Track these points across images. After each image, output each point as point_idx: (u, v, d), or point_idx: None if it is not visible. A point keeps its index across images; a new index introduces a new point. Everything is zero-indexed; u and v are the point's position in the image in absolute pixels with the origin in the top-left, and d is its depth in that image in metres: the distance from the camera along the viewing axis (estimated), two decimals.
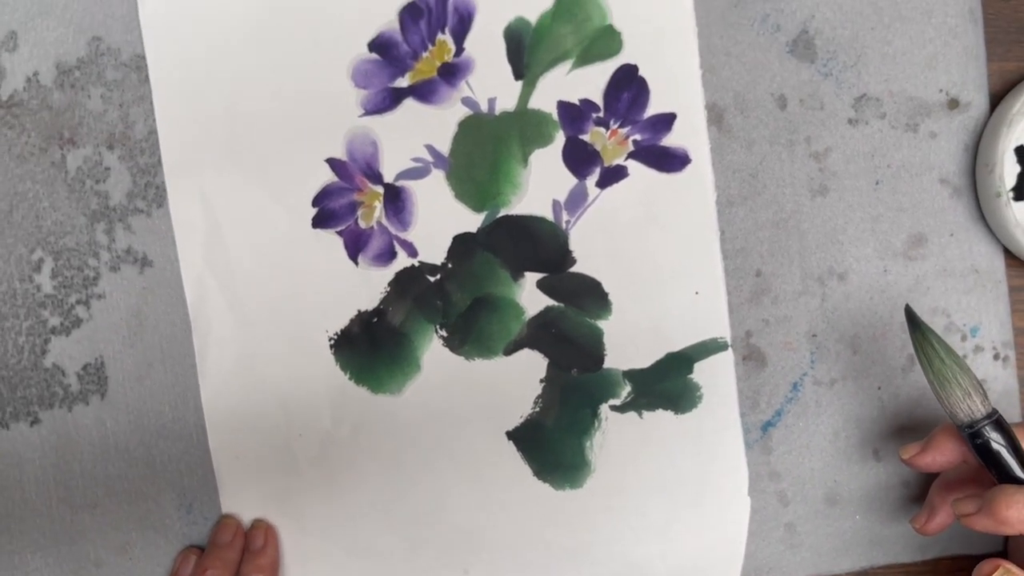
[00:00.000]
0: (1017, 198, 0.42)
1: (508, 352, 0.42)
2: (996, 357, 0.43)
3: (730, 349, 0.42)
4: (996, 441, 0.34)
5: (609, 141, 0.42)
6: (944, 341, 0.36)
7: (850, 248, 0.42)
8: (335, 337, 0.42)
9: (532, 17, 0.41)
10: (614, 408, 0.42)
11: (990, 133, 0.41)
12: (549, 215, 0.42)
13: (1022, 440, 0.35)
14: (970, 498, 0.34)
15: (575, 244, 0.42)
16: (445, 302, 0.42)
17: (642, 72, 0.41)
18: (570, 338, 0.42)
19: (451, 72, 0.41)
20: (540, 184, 0.41)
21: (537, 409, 0.42)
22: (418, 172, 0.41)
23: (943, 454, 0.37)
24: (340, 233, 0.41)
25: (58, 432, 0.41)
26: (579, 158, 0.41)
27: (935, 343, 0.35)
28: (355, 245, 0.41)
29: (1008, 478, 0.34)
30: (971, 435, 0.35)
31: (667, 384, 0.42)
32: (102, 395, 0.41)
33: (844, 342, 0.42)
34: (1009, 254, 0.42)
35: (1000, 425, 0.34)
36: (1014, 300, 0.43)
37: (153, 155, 0.41)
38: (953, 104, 0.42)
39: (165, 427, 0.41)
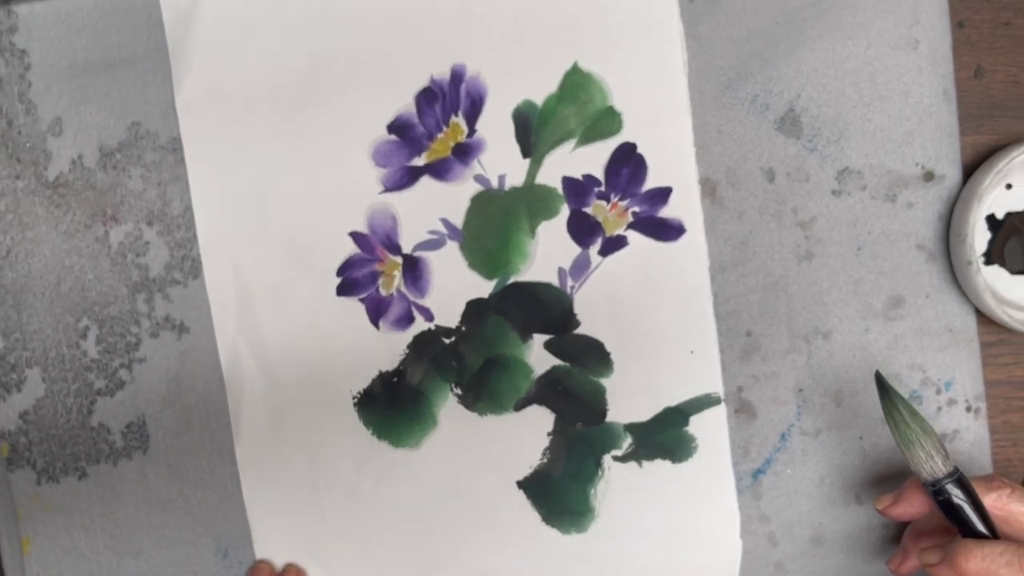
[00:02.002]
0: (988, 262, 0.45)
1: (518, 408, 0.45)
2: (968, 409, 0.46)
3: (723, 403, 0.46)
4: (957, 497, 0.38)
5: (610, 213, 0.45)
6: (910, 405, 0.39)
7: (834, 309, 0.46)
8: (358, 396, 0.45)
9: (539, 100, 0.44)
10: (616, 458, 0.46)
11: (962, 206, 0.44)
12: (555, 281, 0.45)
13: (983, 495, 0.38)
14: (934, 549, 0.38)
15: (579, 308, 0.45)
16: (460, 363, 0.45)
17: (640, 149, 0.45)
18: (575, 395, 0.45)
19: (464, 151, 0.44)
20: (547, 253, 0.45)
21: (545, 460, 0.46)
22: (434, 244, 0.45)
23: (912, 506, 0.40)
24: (362, 300, 0.45)
25: (104, 485, 0.45)
26: (583, 229, 0.45)
27: (901, 407, 0.39)
28: (376, 311, 0.45)
29: (969, 532, 0.38)
30: (934, 492, 0.38)
31: (665, 436, 0.46)
32: (144, 451, 0.45)
33: (828, 396, 0.46)
34: (981, 313, 0.46)
35: (961, 483, 0.38)
36: (986, 355, 0.46)
37: (189, 230, 0.44)
38: (929, 177, 0.45)
39: (202, 479, 0.45)
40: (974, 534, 0.38)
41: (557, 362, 0.45)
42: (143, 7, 0.43)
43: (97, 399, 0.45)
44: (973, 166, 0.46)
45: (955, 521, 0.38)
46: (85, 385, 0.44)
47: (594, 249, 0.45)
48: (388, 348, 0.45)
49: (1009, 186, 0.45)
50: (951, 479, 0.38)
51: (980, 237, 0.45)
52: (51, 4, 0.43)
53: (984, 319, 0.46)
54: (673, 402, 0.46)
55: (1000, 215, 0.45)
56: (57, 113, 0.44)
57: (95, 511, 0.45)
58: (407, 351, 0.45)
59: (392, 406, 0.45)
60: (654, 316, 0.45)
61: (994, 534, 0.38)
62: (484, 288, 0.45)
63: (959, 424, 0.46)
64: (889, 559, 0.43)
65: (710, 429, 0.46)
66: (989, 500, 0.38)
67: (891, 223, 0.45)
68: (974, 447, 0.46)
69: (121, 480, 0.45)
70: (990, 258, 0.45)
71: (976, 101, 0.46)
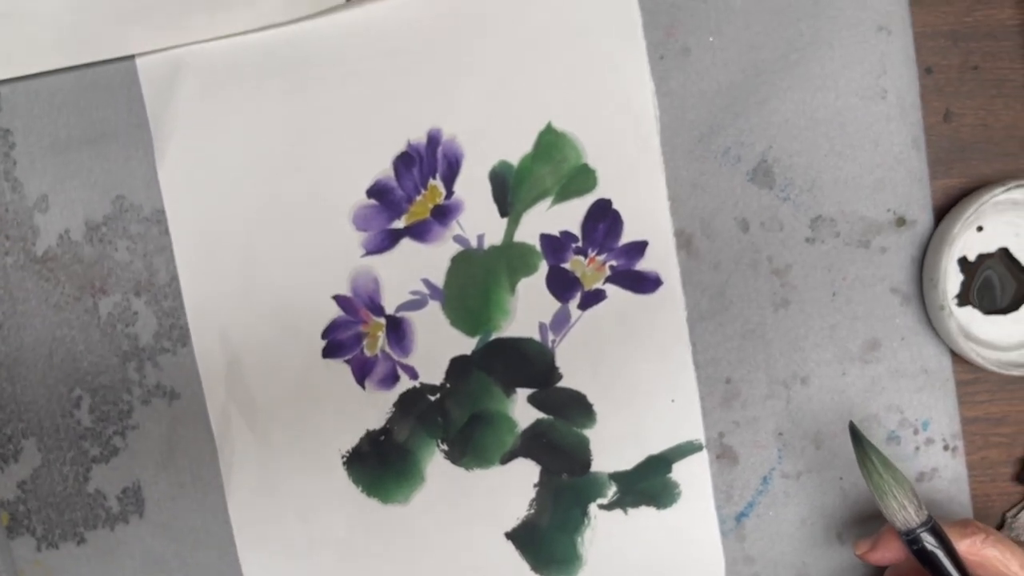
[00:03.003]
0: (961, 304, 0.46)
1: (504, 461, 0.46)
2: (946, 448, 0.47)
3: (705, 450, 0.47)
4: (931, 544, 0.39)
5: (588, 268, 0.46)
6: (883, 456, 0.40)
7: (811, 354, 0.47)
8: (347, 454, 0.46)
9: (514, 160, 0.45)
10: (602, 507, 0.47)
11: (933, 252, 0.45)
12: (536, 336, 0.46)
13: (958, 540, 0.39)
14: None
15: (561, 361, 0.46)
16: (445, 419, 0.46)
17: (616, 205, 0.45)
18: (559, 447, 0.46)
19: (443, 213, 0.45)
20: (527, 309, 0.46)
21: (532, 511, 0.47)
22: (416, 304, 0.46)
23: (890, 551, 0.41)
24: (348, 362, 0.46)
25: (102, 549, 0.46)
26: (561, 284, 0.46)
27: (874, 458, 0.40)
28: (362, 371, 0.46)
29: None
30: (909, 541, 0.39)
31: (648, 483, 0.47)
32: (140, 514, 0.46)
33: (808, 439, 0.47)
34: (956, 354, 0.47)
35: (935, 531, 0.39)
36: (963, 393, 0.47)
37: (176, 299, 0.45)
38: (900, 222, 0.46)
39: (198, 540, 0.46)
40: None
41: (541, 415, 0.46)
42: (123, 82, 0.44)
43: (92, 466, 0.46)
44: (944, 209, 0.46)
45: (930, 568, 0.39)
46: (80, 453, 0.46)
47: (573, 303, 0.46)
48: (375, 407, 0.46)
49: (980, 228, 0.46)
50: (925, 527, 0.39)
51: (952, 280, 0.46)
52: (32, 83, 0.44)
53: (959, 358, 0.47)
54: (656, 450, 0.46)
55: (972, 257, 0.46)
56: (43, 190, 0.45)
57: (95, 575, 0.46)
58: (393, 409, 0.46)
59: (380, 464, 0.46)
60: (634, 367, 0.46)
61: None
62: (467, 345, 0.46)
63: (937, 463, 0.47)
64: None
65: (693, 475, 0.47)
66: (963, 546, 0.39)
67: (865, 268, 0.46)
68: (952, 484, 0.47)
69: (119, 544, 0.46)
70: (964, 299, 0.46)
71: (946, 145, 0.46)
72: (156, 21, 0.43)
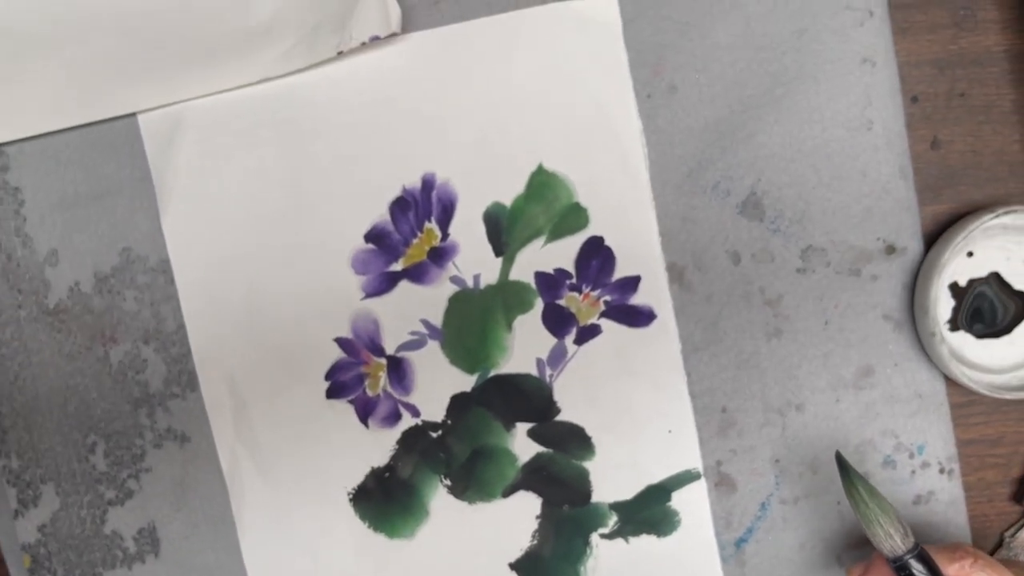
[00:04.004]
0: (953, 328, 0.47)
1: (506, 494, 0.48)
2: (942, 471, 0.47)
3: (703, 478, 0.47)
4: (918, 571, 0.39)
5: (583, 304, 0.47)
6: (869, 485, 0.41)
7: (805, 382, 0.47)
8: (353, 492, 0.47)
9: (507, 201, 0.46)
10: (603, 536, 0.48)
11: (923, 280, 0.45)
12: (534, 372, 0.47)
13: (947, 565, 0.40)
14: None
15: (559, 395, 0.47)
16: (447, 454, 0.47)
17: (608, 241, 0.46)
18: (560, 479, 0.47)
19: (439, 255, 0.46)
20: (524, 345, 0.47)
21: (535, 542, 0.48)
22: (416, 344, 0.47)
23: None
24: (351, 401, 0.47)
25: None
26: (557, 321, 0.47)
27: (860, 488, 0.40)
28: (365, 411, 0.47)
29: None
30: (897, 568, 0.40)
31: (648, 512, 0.48)
32: (156, 554, 0.48)
33: (804, 465, 0.48)
34: (949, 377, 0.47)
35: (922, 557, 0.40)
36: (957, 415, 0.48)
37: (184, 346, 0.47)
38: (890, 250, 0.47)
39: None
40: None
41: (541, 449, 0.47)
42: (126, 139, 0.46)
43: (109, 508, 0.47)
44: (934, 235, 0.47)
45: None
46: (97, 496, 0.47)
47: (569, 339, 0.47)
48: (378, 445, 0.47)
49: (970, 254, 0.47)
50: (912, 554, 0.40)
51: (944, 305, 0.46)
52: (39, 142, 0.46)
53: (952, 382, 0.47)
54: (655, 480, 0.47)
55: (963, 282, 0.47)
56: (52, 244, 0.46)
57: None
58: (397, 447, 0.47)
59: (385, 500, 0.47)
60: (631, 399, 0.47)
61: None
62: (466, 382, 0.47)
63: (933, 486, 0.47)
64: None
65: (692, 503, 0.47)
66: (952, 570, 0.40)
67: (856, 296, 0.47)
68: (949, 507, 0.48)
69: None
70: (956, 324, 0.47)
71: (934, 172, 0.47)
72: (156, 79, 0.45)
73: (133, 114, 0.46)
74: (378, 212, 0.46)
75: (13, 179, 0.46)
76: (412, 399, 0.47)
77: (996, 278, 0.47)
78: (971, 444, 0.48)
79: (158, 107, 0.45)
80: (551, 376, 0.47)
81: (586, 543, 0.48)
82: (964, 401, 0.48)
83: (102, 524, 0.47)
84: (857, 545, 0.48)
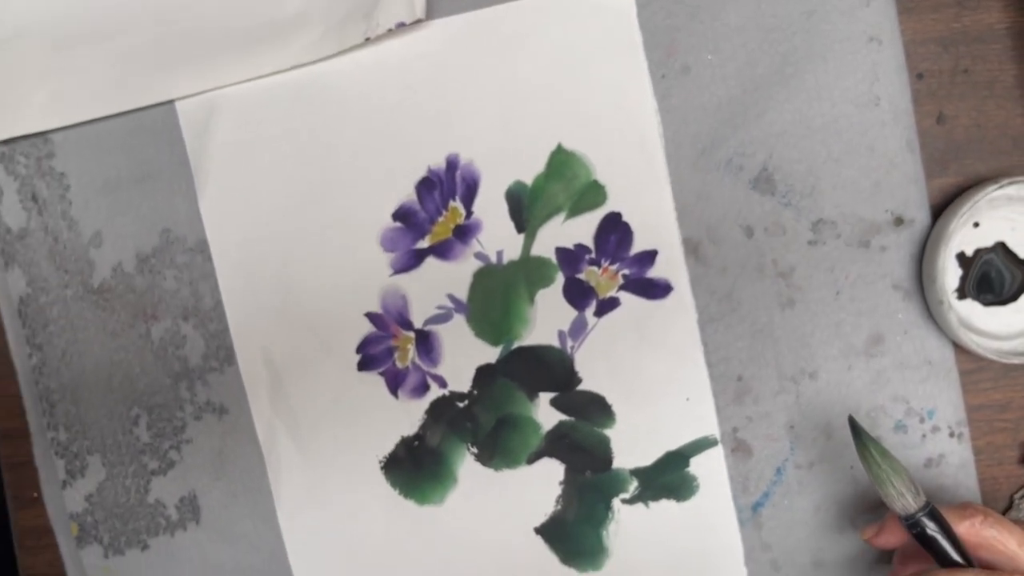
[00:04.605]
0: (961, 297, 0.48)
1: (530, 461, 0.49)
2: (952, 435, 0.49)
3: (720, 444, 0.49)
4: (931, 529, 0.41)
5: (602, 277, 0.49)
6: (881, 446, 0.42)
7: (818, 350, 0.49)
8: (384, 460, 0.50)
9: (528, 179, 0.48)
10: (624, 501, 0.50)
11: (931, 250, 0.47)
12: (556, 343, 0.49)
13: (957, 523, 0.41)
14: None
15: (580, 366, 0.49)
16: (474, 423, 0.49)
17: (625, 217, 0.48)
18: (582, 446, 0.49)
19: (464, 232, 0.48)
20: (546, 318, 0.49)
21: (559, 507, 0.50)
22: (442, 318, 0.49)
23: (894, 535, 0.43)
24: (381, 374, 0.49)
25: (164, 554, 0.50)
26: (577, 294, 0.49)
27: (872, 449, 0.42)
28: (394, 382, 0.49)
29: (944, 561, 0.41)
30: (909, 525, 0.41)
31: (668, 478, 0.49)
32: (197, 521, 0.50)
33: (819, 430, 0.49)
34: (958, 345, 0.49)
35: (934, 515, 0.41)
36: (966, 382, 0.49)
37: (221, 322, 0.49)
38: (899, 222, 0.48)
39: (251, 544, 0.50)
40: (949, 562, 0.41)
41: (563, 417, 0.49)
42: (164, 126, 0.48)
43: (152, 478, 0.50)
44: (941, 207, 0.48)
45: (931, 550, 0.41)
46: (140, 466, 0.49)
47: (589, 311, 0.49)
48: (408, 415, 0.49)
49: (976, 224, 0.48)
50: (923, 512, 0.41)
51: (952, 275, 0.48)
52: (83, 129, 0.48)
53: (961, 349, 0.49)
54: (673, 446, 0.49)
55: (969, 252, 0.48)
56: (96, 227, 0.49)
57: None
58: (425, 416, 0.49)
59: (415, 468, 0.49)
60: (650, 368, 0.49)
61: (968, 561, 0.41)
62: (491, 354, 0.49)
63: (944, 449, 0.49)
64: None
65: (710, 468, 0.49)
66: (963, 528, 0.41)
67: (866, 267, 0.49)
68: (960, 470, 0.49)
69: (179, 549, 0.50)
70: (963, 292, 0.48)
71: (940, 146, 0.49)
72: (192, 68, 0.47)
73: (171, 101, 0.48)
74: (405, 192, 0.48)
75: (59, 165, 0.48)
76: (439, 371, 0.49)
77: (1002, 247, 0.48)
78: (980, 409, 0.49)
79: (195, 94, 0.48)
80: (572, 347, 0.49)
81: (608, 508, 0.50)
82: (973, 368, 0.49)
83: (146, 493, 0.50)
84: (871, 508, 0.49)
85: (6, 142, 0.48)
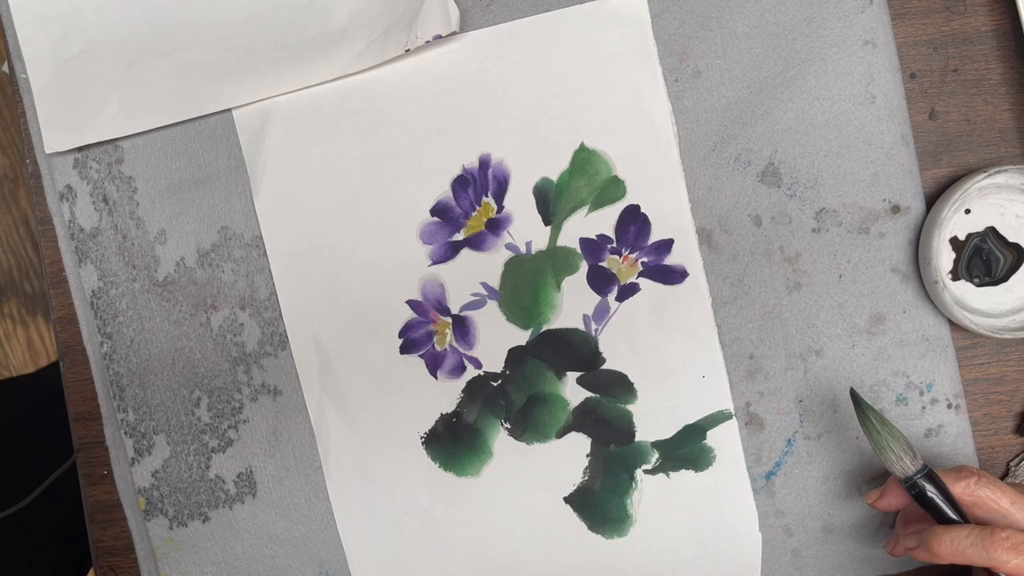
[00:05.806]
0: (955, 278, 0.52)
1: (559, 436, 0.54)
2: (949, 406, 0.53)
3: (734, 418, 0.53)
4: (929, 490, 0.45)
5: (623, 265, 0.53)
6: (880, 415, 0.46)
7: (823, 330, 0.53)
8: (425, 436, 0.54)
9: (554, 176, 0.53)
10: (647, 471, 0.54)
11: (926, 234, 0.51)
12: (581, 326, 0.53)
13: (953, 484, 0.45)
14: (913, 535, 0.45)
15: (603, 347, 0.53)
16: (507, 401, 0.54)
17: (644, 209, 0.53)
18: (607, 421, 0.54)
19: (496, 225, 0.53)
20: (572, 303, 0.53)
21: (586, 478, 0.54)
22: (477, 304, 0.53)
23: (896, 498, 0.47)
24: (422, 356, 0.54)
25: (224, 526, 0.54)
26: (600, 280, 0.53)
27: (872, 417, 0.46)
28: (434, 364, 0.54)
29: (942, 519, 0.45)
30: (909, 487, 0.45)
31: (686, 450, 0.54)
32: (254, 495, 0.54)
33: (826, 404, 0.53)
34: (954, 323, 0.53)
35: (932, 477, 0.45)
36: (963, 357, 0.53)
37: (275, 311, 0.53)
38: (896, 210, 0.52)
39: (303, 516, 0.54)
40: (946, 520, 0.45)
41: (589, 394, 0.53)
42: (222, 133, 0.53)
43: (212, 456, 0.54)
44: (935, 195, 0.53)
45: (929, 510, 0.45)
46: (201, 445, 0.54)
47: (612, 296, 0.53)
48: (446, 394, 0.54)
49: (968, 211, 0.52)
50: (921, 474, 0.45)
51: (945, 258, 0.52)
52: (149, 136, 0.53)
53: (957, 327, 0.53)
54: (691, 420, 0.53)
55: (962, 236, 0.52)
56: (161, 225, 0.53)
57: (218, 548, 0.54)
58: (462, 395, 0.54)
59: (454, 442, 0.54)
60: (668, 349, 0.53)
61: (964, 519, 0.45)
62: (522, 337, 0.53)
63: (942, 420, 0.53)
64: (885, 543, 0.50)
65: (725, 440, 0.53)
66: (958, 488, 0.45)
67: (866, 252, 0.53)
68: (958, 439, 0.53)
69: (237, 521, 0.54)
70: (957, 274, 0.52)
71: (933, 140, 0.53)
72: (248, 79, 0.52)
73: (228, 110, 0.53)
74: (441, 189, 0.53)
75: (127, 169, 0.53)
76: (475, 353, 0.53)
77: (992, 231, 0.52)
78: (976, 383, 0.53)
79: (250, 103, 0.52)
80: (596, 330, 0.53)
81: (631, 478, 0.54)
82: (968, 344, 0.53)
83: (207, 469, 0.54)
84: (876, 476, 0.53)
85: (80, 149, 0.53)
